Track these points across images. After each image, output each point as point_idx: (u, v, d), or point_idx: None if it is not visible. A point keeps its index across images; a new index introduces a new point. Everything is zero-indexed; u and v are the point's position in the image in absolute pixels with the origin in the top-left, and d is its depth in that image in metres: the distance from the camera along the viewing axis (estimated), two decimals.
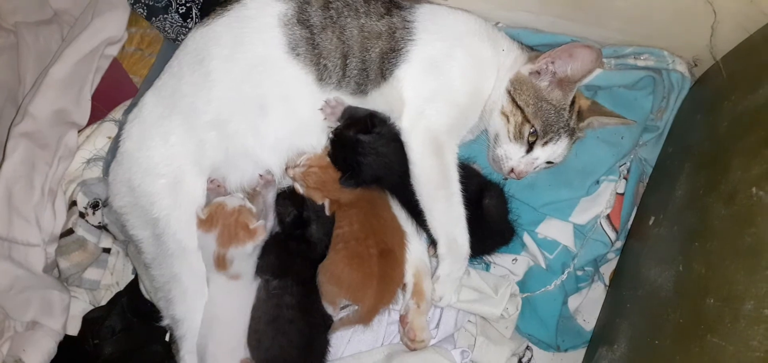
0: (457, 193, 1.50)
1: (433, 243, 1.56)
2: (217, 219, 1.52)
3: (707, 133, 1.44)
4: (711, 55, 1.49)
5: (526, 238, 1.66)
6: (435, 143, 1.50)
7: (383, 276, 1.52)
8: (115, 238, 1.81)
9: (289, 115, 1.57)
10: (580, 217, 1.62)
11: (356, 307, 1.57)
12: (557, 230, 1.64)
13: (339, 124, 1.54)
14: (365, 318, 1.55)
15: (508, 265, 1.67)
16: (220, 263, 1.52)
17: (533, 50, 1.61)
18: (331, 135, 1.56)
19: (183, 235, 1.53)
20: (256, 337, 1.53)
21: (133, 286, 1.81)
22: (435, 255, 1.58)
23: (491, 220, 1.56)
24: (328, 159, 1.56)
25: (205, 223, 1.53)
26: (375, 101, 1.57)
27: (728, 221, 1.16)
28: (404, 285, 1.60)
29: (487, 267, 1.69)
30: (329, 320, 1.58)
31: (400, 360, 1.56)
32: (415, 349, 1.57)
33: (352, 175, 1.53)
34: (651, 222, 1.51)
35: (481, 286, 1.61)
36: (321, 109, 1.54)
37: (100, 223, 1.78)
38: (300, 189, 1.59)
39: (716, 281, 1.10)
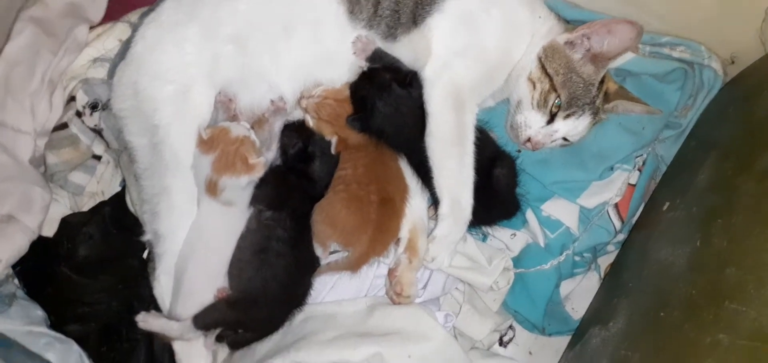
0: (469, 155, 1.48)
1: (434, 203, 1.54)
2: (218, 143, 1.47)
3: (741, 121, 1.43)
4: (760, 41, 1.48)
5: (529, 215, 1.63)
6: (457, 98, 1.47)
7: (380, 225, 1.49)
8: (108, 146, 1.76)
9: (314, 43, 1.53)
10: (588, 200, 1.60)
11: (345, 254, 1.54)
12: (563, 210, 1.61)
13: (368, 63, 1.52)
14: (355, 265, 1.52)
15: (505, 239, 1.65)
16: (211, 189, 1.47)
17: (569, 24, 1.59)
18: (365, 67, 1.52)
19: (181, 147, 1.49)
20: (238, 265, 1.48)
21: (119, 198, 1.76)
22: (434, 217, 1.55)
23: (499, 190, 1.53)
24: (345, 93, 1.53)
25: (205, 143, 1.47)
26: (403, 47, 1.54)
27: (758, 196, 1.15)
28: (398, 240, 1.56)
29: (484, 238, 1.66)
30: (316, 262, 1.54)
31: (383, 311, 1.53)
32: (399, 304, 1.53)
33: (362, 118, 1.50)
34: (665, 207, 1.50)
35: (475, 254, 1.58)
36: (353, 42, 1.51)
37: (96, 126, 1.73)
38: (310, 121, 1.55)
39: (740, 252, 1.09)
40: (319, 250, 1.52)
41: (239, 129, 1.50)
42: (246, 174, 1.47)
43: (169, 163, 1.48)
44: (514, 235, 1.65)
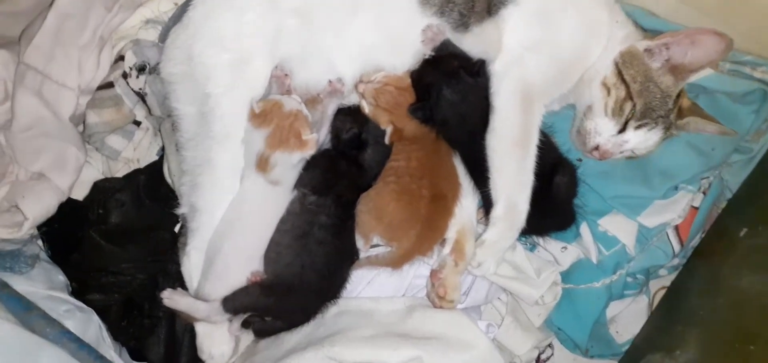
0: (532, 157, 1.42)
1: (484, 206, 1.48)
2: (272, 118, 1.42)
3: None
4: None
5: (584, 229, 1.56)
6: (526, 95, 1.42)
7: (429, 222, 1.44)
8: (149, 112, 1.71)
9: (380, 26, 1.49)
10: (649, 219, 1.54)
11: (387, 250, 1.48)
12: (621, 227, 1.55)
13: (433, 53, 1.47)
14: (398, 261, 1.46)
15: (556, 252, 1.58)
16: (262, 165, 1.42)
17: (646, 32, 1.53)
18: (430, 55, 1.47)
19: (231, 119, 1.44)
20: (276, 249, 1.42)
21: (155, 168, 1.72)
22: (482, 220, 1.50)
23: (558, 199, 1.47)
24: (407, 82, 1.48)
25: (258, 117, 1.43)
26: (474, 38, 1.48)
27: None
28: (443, 240, 1.51)
29: (532, 248, 1.61)
30: (356, 255, 1.48)
31: (424, 314, 1.47)
32: (441, 307, 1.47)
33: (424, 107, 1.45)
34: (742, 233, 1.43)
35: (523, 265, 1.52)
36: (423, 31, 1.46)
37: (140, 89, 1.68)
38: (366, 107, 1.50)
39: None
40: (360, 243, 1.46)
41: (291, 103, 1.45)
42: (299, 150, 1.42)
43: (217, 135, 1.43)
44: (566, 248, 1.58)
